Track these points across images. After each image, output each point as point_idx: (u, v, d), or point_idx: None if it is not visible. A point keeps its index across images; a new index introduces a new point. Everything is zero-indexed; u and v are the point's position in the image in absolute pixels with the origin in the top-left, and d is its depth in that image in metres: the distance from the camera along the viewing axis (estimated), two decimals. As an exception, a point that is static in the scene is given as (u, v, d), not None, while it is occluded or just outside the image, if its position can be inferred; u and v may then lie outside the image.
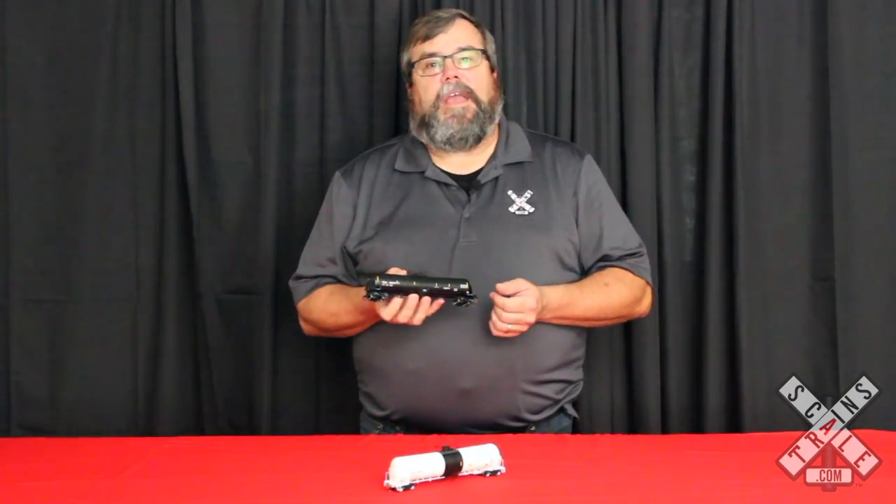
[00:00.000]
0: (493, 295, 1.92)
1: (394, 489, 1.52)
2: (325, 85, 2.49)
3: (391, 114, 2.49)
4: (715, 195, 2.44)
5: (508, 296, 1.92)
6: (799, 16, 2.47)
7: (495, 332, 1.94)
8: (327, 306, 2.13)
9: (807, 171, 2.46)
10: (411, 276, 1.89)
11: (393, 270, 1.91)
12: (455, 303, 1.91)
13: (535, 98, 2.48)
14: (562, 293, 2.02)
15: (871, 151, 2.45)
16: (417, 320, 1.91)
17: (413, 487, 1.53)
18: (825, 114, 2.44)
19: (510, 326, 1.93)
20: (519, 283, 1.93)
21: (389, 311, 1.90)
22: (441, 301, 1.91)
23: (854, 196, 2.45)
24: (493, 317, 1.93)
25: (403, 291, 1.89)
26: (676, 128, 2.50)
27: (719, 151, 2.44)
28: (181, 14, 2.47)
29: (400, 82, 2.47)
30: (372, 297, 1.88)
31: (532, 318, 1.94)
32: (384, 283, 1.87)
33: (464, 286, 1.89)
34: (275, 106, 2.48)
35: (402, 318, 1.91)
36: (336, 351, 2.46)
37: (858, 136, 2.45)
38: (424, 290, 1.89)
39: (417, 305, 1.90)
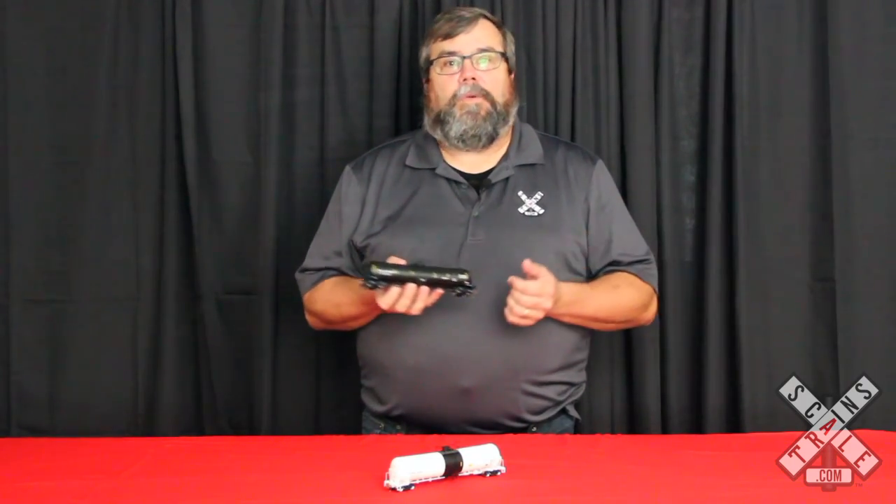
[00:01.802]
0: (512, 279, 1.90)
1: (394, 489, 1.52)
2: (325, 85, 2.49)
3: (391, 114, 2.49)
4: (715, 195, 2.44)
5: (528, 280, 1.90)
6: (799, 16, 2.47)
7: (511, 319, 1.92)
8: (331, 297, 2.12)
9: (807, 171, 2.46)
10: (410, 266, 1.88)
11: (392, 259, 1.90)
12: (454, 293, 1.89)
13: (535, 98, 2.48)
14: (574, 289, 2.02)
15: (871, 151, 2.45)
16: (416, 310, 1.90)
17: (413, 487, 1.53)
18: (825, 114, 2.44)
19: (528, 311, 1.91)
20: (542, 268, 1.92)
21: (387, 299, 1.89)
22: (440, 291, 1.89)
23: (854, 196, 2.44)
24: (511, 302, 1.91)
25: (401, 280, 1.87)
26: (676, 128, 2.50)
27: (719, 151, 2.44)
28: (181, 14, 2.47)
29: (400, 82, 2.48)
30: (369, 284, 1.87)
31: (549, 304, 1.92)
32: (381, 271, 1.85)
33: (463, 276, 1.87)
34: (275, 106, 2.48)
35: (400, 308, 1.89)
36: (336, 351, 2.46)
37: (858, 136, 2.44)
38: (422, 280, 1.86)
39: (415, 295, 1.88)
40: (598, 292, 2.07)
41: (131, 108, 2.52)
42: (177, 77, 2.48)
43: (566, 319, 2.03)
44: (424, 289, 1.88)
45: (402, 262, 1.89)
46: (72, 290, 2.52)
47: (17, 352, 2.52)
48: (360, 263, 1.99)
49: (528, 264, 1.91)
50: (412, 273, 1.87)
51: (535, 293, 1.90)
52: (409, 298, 1.88)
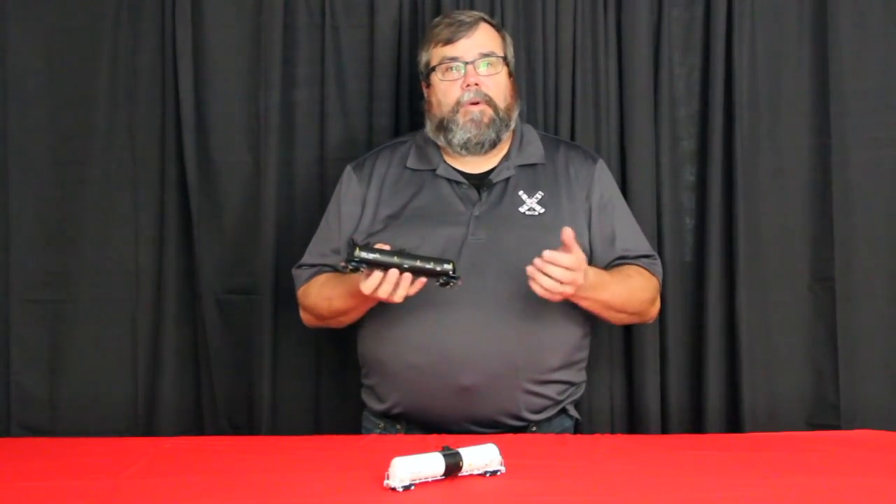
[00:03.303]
0: (546, 252, 1.85)
1: (394, 489, 1.52)
2: (325, 85, 2.49)
3: (391, 114, 2.49)
4: (715, 195, 2.44)
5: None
6: (799, 16, 2.47)
7: (541, 291, 1.87)
8: (322, 291, 2.13)
9: (807, 171, 2.46)
10: (394, 252, 1.85)
11: (379, 245, 1.88)
12: (438, 283, 1.87)
13: (535, 99, 2.48)
14: (596, 273, 2.00)
15: (871, 151, 2.45)
16: (398, 297, 1.88)
17: (413, 487, 1.53)
18: (825, 114, 2.44)
19: (556, 286, 1.86)
20: (575, 244, 1.88)
21: (369, 284, 1.87)
22: (423, 280, 1.87)
23: (854, 196, 2.44)
24: (535, 273, 1.86)
25: (384, 266, 1.85)
26: (676, 128, 2.50)
27: (719, 151, 2.44)
28: (181, 14, 2.47)
29: (400, 82, 2.47)
30: (350, 267, 1.85)
31: (581, 280, 1.89)
32: (363, 254, 1.83)
33: (447, 266, 1.85)
34: (275, 106, 2.48)
35: (382, 294, 1.87)
36: (336, 350, 2.46)
37: (858, 136, 2.44)
38: (405, 266, 1.84)
39: (398, 281, 1.86)
40: (616, 280, 2.06)
41: (131, 108, 2.52)
42: (177, 77, 2.47)
43: (584, 304, 2.01)
44: (407, 276, 1.86)
45: (388, 247, 1.87)
46: (72, 290, 2.52)
47: (17, 352, 2.52)
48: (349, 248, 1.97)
49: (567, 234, 1.85)
50: (395, 259, 1.84)
51: (569, 266, 1.86)
52: (391, 284, 1.86)
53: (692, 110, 2.50)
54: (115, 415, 2.52)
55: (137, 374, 2.53)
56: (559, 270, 1.86)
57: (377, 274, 1.86)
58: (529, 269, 1.87)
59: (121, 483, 1.62)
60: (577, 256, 1.88)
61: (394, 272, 1.86)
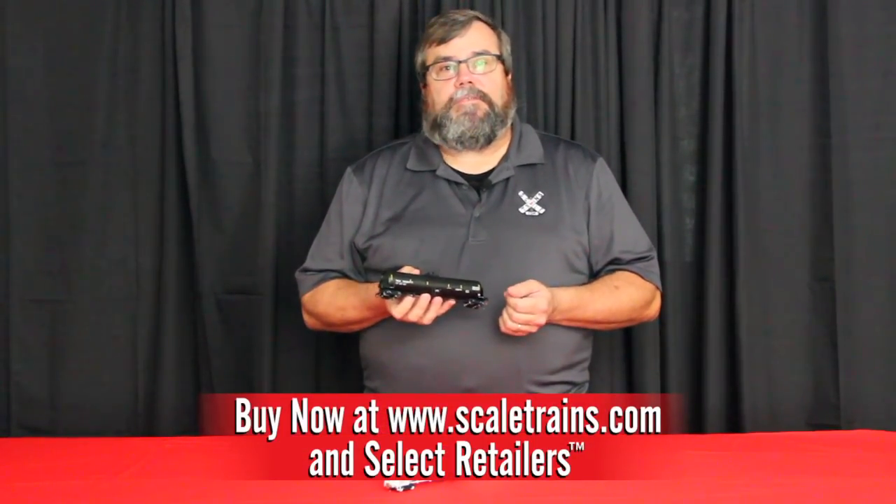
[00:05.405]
0: (507, 291, 1.91)
1: (394, 489, 1.53)
2: (325, 85, 2.49)
3: (391, 114, 2.49)
4: (715, 195, 2.44)
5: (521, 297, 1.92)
6: (799, 16, 2.47)
7: (504, 330, 1.94)
8: (334, 300, 2.13)
9: (807, 171, 2.46)
10: (424, 276, 1.90)
11: (406, 269, 1.91)
12: (465, 304, 1.91)
13: (535, 98, 2.48)
14: (572, 295, 2.02)
15: (871, 151, 2.45)
16: (427, 320, 1.91)
17: (413, 488, 1.53)
18: (825, 114, 2.44)
19: (520, 326, 1.93)
20: (531, 285, 1.93)
21: (401, 309, 1.90)
22: (452, 302, 1.91)
23: (854, 196, 2.44)
24: (504, 315, 1.93)
25: (416, 291, 1.89)
26: (676, 128, 2.50)
27: (719, 151, 2.44)
28: (181, 14, 2.47)
29: (400, 82, 2.47)
30: (385, 294, 1.89)
31: (543, 320, 1.94)
32: (398, 281, 1.87)
33: (475, 288, 1.89)
34: (275, 106, 2.48)
35: (413, 317, 1.91)
36: (337, 351, 2.46)
37: (858, 136, 2.45)
38: (437, 291, 1.89)
39: (429, 305, 1.90)
40: (598, 295, 2.07)
41: (131, 108, 2.52)
42: (177, 77, 2.47)
43: (566, 324, 2.04)
44: (437, 299, 1.89)
45: (417, 271, 1.91)
46: (72, 290, 2.52)
47: (17, 352, 2.52)
48: (377, 273, 2.00)
49: (512, 291, 1.91)
50: (427, 283, 1.88)
51: (525, 310, 1.91)
52: (423, 309, 1.90)
53: (692, 110, 2.50)
54: (115, 415, 2.51)
55: (137, 374, 2.52)
56: (518, 315, 1.91)
57: (408, 299, 1.89)
58: (503, 312, 1.93)
59: (121, 483, 1.63)
60: (532, 301, 1.91)
61: (425, 297, 1.89)
